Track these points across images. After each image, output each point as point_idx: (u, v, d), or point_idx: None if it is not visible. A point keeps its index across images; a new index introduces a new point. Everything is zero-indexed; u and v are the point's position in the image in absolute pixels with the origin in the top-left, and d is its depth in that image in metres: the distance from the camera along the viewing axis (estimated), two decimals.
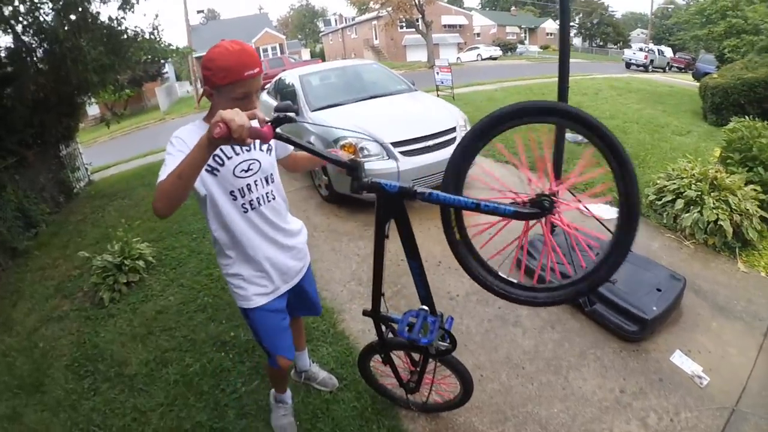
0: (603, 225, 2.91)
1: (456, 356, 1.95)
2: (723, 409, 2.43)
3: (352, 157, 1.50)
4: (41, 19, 6.03)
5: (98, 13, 6.46)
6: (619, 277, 2.89)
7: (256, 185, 1.75)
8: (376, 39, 45.29)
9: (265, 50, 40.19)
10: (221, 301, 3.59)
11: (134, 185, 7.67)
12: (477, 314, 3.22)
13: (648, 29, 46.26)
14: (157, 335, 3.35)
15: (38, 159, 6.76)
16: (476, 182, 3.59)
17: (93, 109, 20.28)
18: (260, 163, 1.75)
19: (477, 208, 1.27)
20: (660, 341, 2.89)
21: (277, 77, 7.22)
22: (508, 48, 45.97)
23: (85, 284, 4.15)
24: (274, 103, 6.30)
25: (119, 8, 6.72)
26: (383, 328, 2.00)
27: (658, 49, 30.25)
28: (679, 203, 3.98)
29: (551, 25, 57.29)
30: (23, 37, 6.10)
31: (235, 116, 1.17)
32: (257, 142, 1.70)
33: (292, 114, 1.83)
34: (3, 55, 6.19)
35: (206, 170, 1.61)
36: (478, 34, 50.49)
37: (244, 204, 1.73)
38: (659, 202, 4.23)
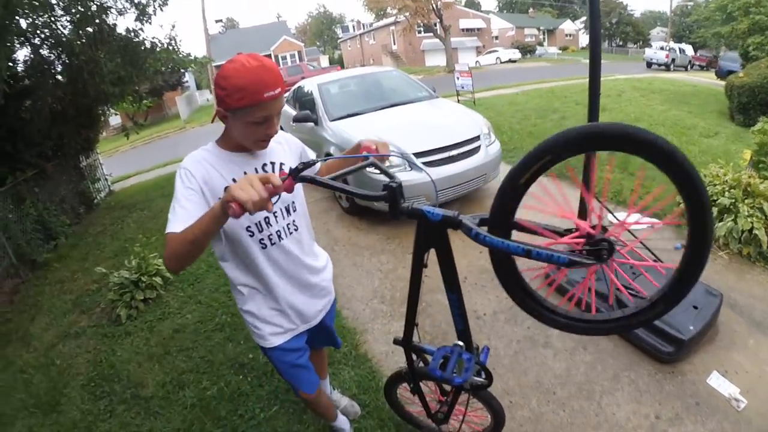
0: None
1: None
2: None
3: (389, 181, 1.28)
4: (59, 32, 6.07)
5: (115, 25, 6.50)
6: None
7: (276, 217, 1.58)
8: (394, 44, 45.23)
9: (284, 58, 40.55)
10: (239, 320, 3.49)
11: (153, 196, 7.69)
12: (505, 335, 3.08)
13: (668, 27, 45.52)
14: (174, 355, 3.28)
15: (58, 171, 6.82)
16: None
17: (115, 119, 20.66)
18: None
19: (528, 255, 1.11)
20: (696, 361, 2.72)
21: (295, 85, 7.16)
22: (527, 50, 45.58)
23: (102, 300, 4.11)
24: (293, 112, 6.23)
25: (136, 20, 6.75)
26: (414, 356, 1.86)
27: (679, 48, 29.70)
28: (713, 211, 3.78)
29: (570, 26, 56.77)
30: (41, 51, 6.14)
31: (249, 195, 1.04)
32: (275, 168, 1.58)
33: (313, 157, 1.71)
34: (21, 68, 6.24)
35: None
36: (497, 37, 50.17)
37: (262, 239, 1.56)
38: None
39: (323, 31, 75.14)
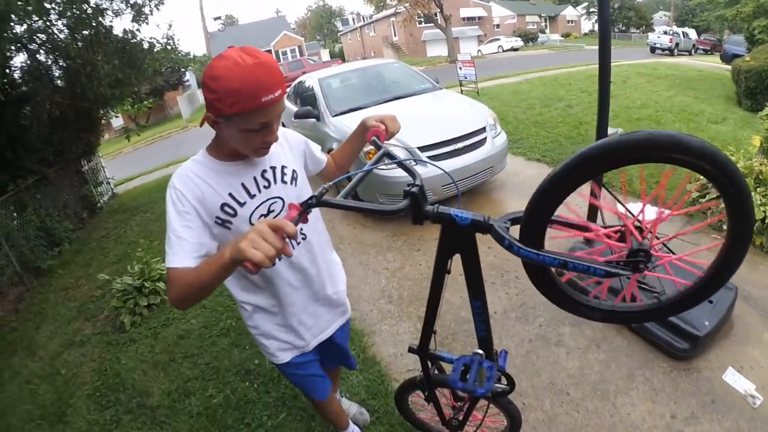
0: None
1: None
2: None
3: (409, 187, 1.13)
4: (55, 36, 6.02)
5: (111, 26, 6.46)
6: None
7: None
8: (395, 36, 44.94)
9: (284, 53, 40.46)
10: (244, 324, 3.42)
11: (156, 198, 7.64)
12: (517, 334, 3.00)
13: (670, 11, 44.98)
14: (179, 362, 3.23)
15: (59, 176, 6.80)
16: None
17: (118, 121, 20.67)
18: (283, 201, 1.42)
19: (564, 267, 1.04)
20: (712, 357, 2.64)
21: (296, 80, 7.07)
22: (528, 38, 45.13)
23: (106, 307, 4.07)
24: (294, 108, 6.16)
25: (132, 20, 6.71)
26: (429, 364, 1.79)
27: (683, 32, 29.27)
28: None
29: (572, 12, 56.16)
30: (38, 56, 6.10)
31: (263, 251, 0.89)
32: (277, 173, 1.41)
33: (317, 152, 1.62)
34: (18, 75, 6.20)
35: (216, 223, 1.30)
36: (498, 26, 49.69)
37: None
38: (703, 200, 3.93)
39: (323, 25, 74.91)
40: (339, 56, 49.50)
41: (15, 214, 5.39)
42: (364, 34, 50.92)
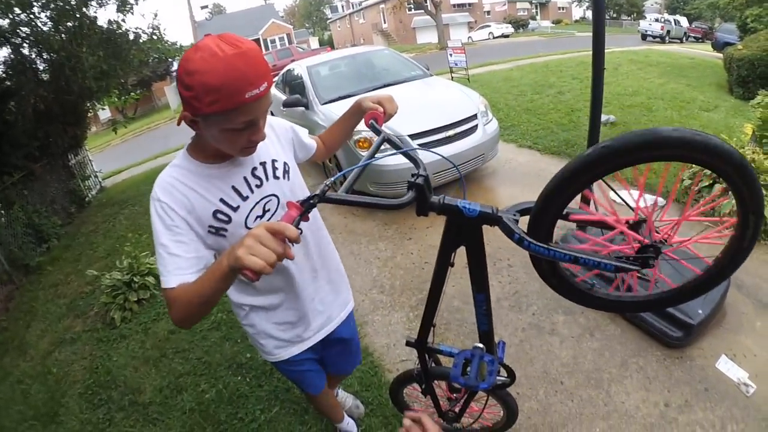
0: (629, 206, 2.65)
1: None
2: None
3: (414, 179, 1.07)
4: (38, 28, 5.89)
5: (95, 17, 6.31)
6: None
7: None
8: (384, 23, 44.56)
9: (273, 41, 40.07)
10: (235, 318, 3.39)
11: (144, 191, 7.55)
12: (510, 322, 3.00)
13: None
14: (170, 358, 3.20)
15: (46, 171, 6.70)
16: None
17: (105, 113, 20.43)
18: (278, 198, 1.32)
19: (575, 262, 1.02)
20: (705, 345, 2.65)
21: (284, 69, 6.98)
22: (519, 24, 44.86)
23: (96, 303, 4.02)
24: (282, 96, 6.09)
25: (117, 11, 6.59)
26: (427, 357, 1.76)
27: (674, 19, 29.18)
28: (717, 188, 3.69)
29: None
30: (21, 49, 5.98)
31: (263, 258, 0.82)
32: (268, 168, 1.31)
33: (305, 138, 1.53)
34: (1, 69, 6.08)
35: (209, 232, 1.21)
36: (488, 12, 49.43)
37: None
38: (695, 188, 3.93)
39: (312, 12, 73.99)
40: (328, 44, 49.12)
41: (2, 212, 5.30)
42: (354, 21, 50.46)
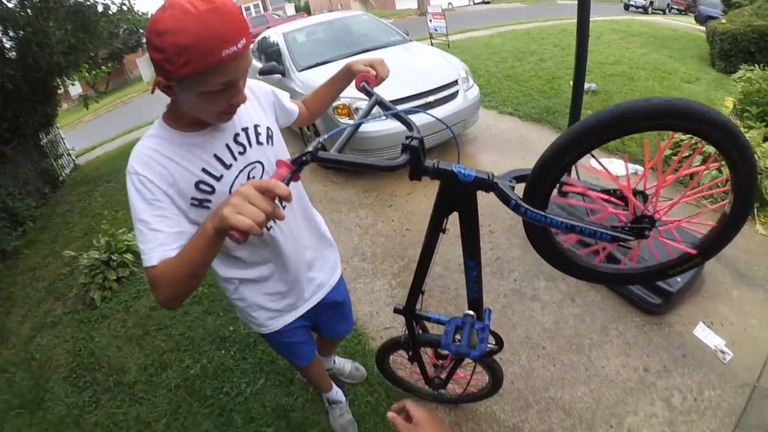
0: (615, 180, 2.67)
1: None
2: (745, 386, 2.29)
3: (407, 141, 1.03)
4: (3, 5, 5.61)
5: None
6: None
7: None
8: None
9: (248, 8, 39.00)
10: (217, 291, 3.40)
11: (119, 166, 7.31)
12: (492, 288, 3.02)
13: None
14: (153, 335, 3.18)
15: (17, 152, 6.47)
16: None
17: (76, 89, 19.81)
18: (263, 165, 1.27)
19: (572, 230, 1.00)
20: (683, 312, 2.72)
21: (260, 36, 6.78)
22: None
23: (75, 284, 3.94)
24: (258, 64, 5.93)
25: None
26: (414, 324, 1.75)
27: None
28: (697, 160, 3.73)
29: None
30: None
31: (250, 217, 0.76)
32: (250, 134, 1.24)
33: (286, 101, 1.47)
34: None
35: (192, 205, 1.14)
36: None
37: None
38: (675, 157, 3.97)
39: None
40: (305, 10, 47.77)
41: None
42: None
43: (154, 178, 1.05)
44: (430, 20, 11.31)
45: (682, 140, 3.83)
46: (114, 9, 7.04)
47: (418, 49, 5.64)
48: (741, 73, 4.47)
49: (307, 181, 4.81)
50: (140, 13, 7.60)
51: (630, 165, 0.98)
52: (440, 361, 1.99)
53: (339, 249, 3.41)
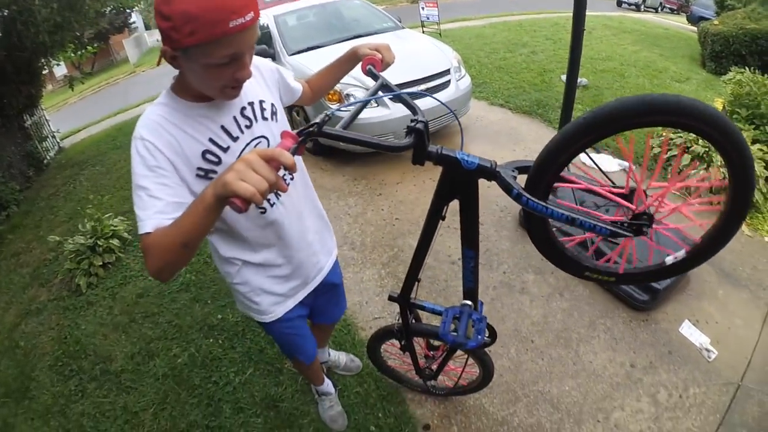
0: (606, 176, 2.69)
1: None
2: (729, 385, 2.34)
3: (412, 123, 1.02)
4: None
5: None
6: None
7: None
8: None
9: None
10: (205, 278, 3.38)
11: (105, 149, 7.24)
12: (482, 280, 2.97)
13: None
14: (139, 323, 3.14)
15: (1, 134, 6.34)
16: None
17: (61, 70, 19.42)
18: (268, 140, 1.26)
19: (572, 223, 1.00)
20: (669, 310, 2.76)
21: None
22: None
23: (60, 270, 3.86)
24: None
25: None
26: (408, 313, 1.74)
27: None
28: (686, 159, 3.77)
29: None
30: None
31: (253, 185, 0.75)
32: (256, 109, 1.24)
33: (291, 80, 1.45)
34: None
35: (198, 176, 1.13)
36: None
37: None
38: (665, 157, 4.00)
39: None
40: None
41: None
42: None
43: (161, 144, 1.04)
44: (423, 8, 11.21)
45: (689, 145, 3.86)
46: None
47: (410, 37, 5.60)
48: (731, 75, 4.49)
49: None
50: None
51: (629, 165, 0.98)
52: (432, 352, 2.00)
53: None
